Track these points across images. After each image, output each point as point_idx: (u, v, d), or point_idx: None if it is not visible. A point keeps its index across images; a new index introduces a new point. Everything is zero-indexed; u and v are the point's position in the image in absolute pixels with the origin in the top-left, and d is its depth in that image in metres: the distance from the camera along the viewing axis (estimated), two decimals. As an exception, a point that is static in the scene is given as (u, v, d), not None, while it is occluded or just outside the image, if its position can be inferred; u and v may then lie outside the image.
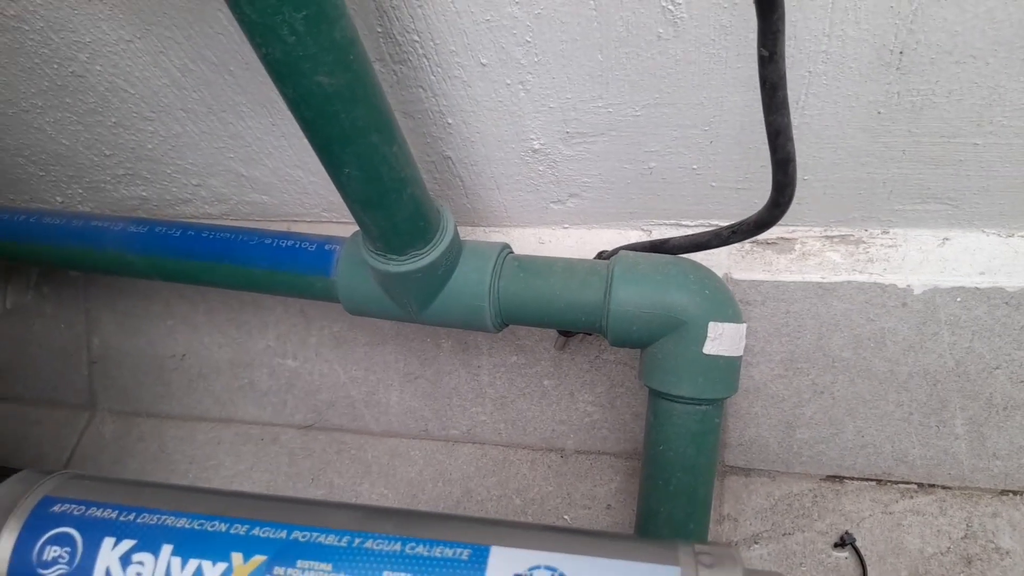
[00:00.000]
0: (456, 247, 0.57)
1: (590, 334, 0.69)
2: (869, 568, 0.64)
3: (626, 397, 0.73)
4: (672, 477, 0.57)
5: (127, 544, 0.31)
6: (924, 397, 0.66)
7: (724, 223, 0.56)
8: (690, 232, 0.62)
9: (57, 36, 0.60)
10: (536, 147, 0.62)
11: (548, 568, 0.31)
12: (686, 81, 0.54)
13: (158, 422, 0.84)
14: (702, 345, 0.53)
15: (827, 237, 0.66)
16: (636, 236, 0.69)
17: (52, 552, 0.31)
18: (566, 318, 0.57)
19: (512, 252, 0.60)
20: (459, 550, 0.31)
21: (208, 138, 0.68)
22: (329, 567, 0.30)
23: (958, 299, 0.63)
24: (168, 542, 0.31)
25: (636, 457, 0.74)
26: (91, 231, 0.67)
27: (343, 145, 0.44)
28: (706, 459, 0.57)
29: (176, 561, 0.30)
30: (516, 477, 0.75)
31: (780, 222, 0.66)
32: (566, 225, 0.71)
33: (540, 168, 0.64)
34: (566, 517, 0.73)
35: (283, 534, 0.31)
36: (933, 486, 0.67)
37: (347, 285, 0.60)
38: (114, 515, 0.32)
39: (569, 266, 0.57)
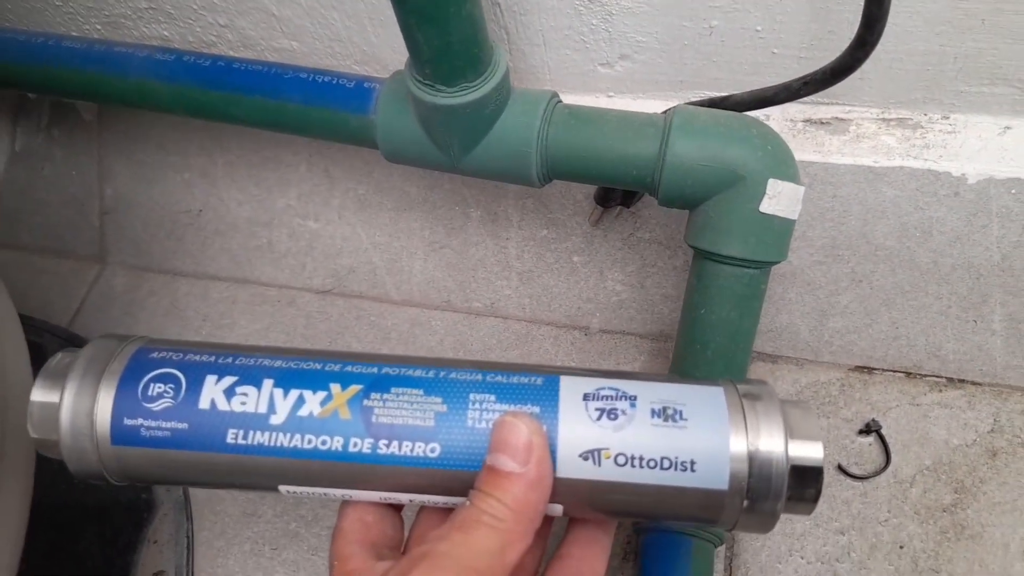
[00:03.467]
0: (506, 88, 0.54)
1: (628, 205, 0.67)
2: (893, 455, 0.63)
3: (657, 278, 0.71)
4: (711, 342, 0.55)
5: (229, 380, 0.32)
6: (965, 291, 0.64)
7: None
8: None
9: None
10: (594, -6, 0.58)
11: (612, 388, 0.33)
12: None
13: (170, 278, 0.82)
14: (759, 203, 0.51)
15: (884, 120, 0.64)
16: (685, 106, 0.66)
17: (157, 388, 0.32)
18: (617, 172, 0.54)
19: (561, 101, 0.57)
20: (533, 378, 0.33)
21: (241, -33, 0.64)
22: (420, 392, 0.32)
23: (1013, 191, 0.61)
24: (268, 378, 0.32)
25: (662, 339, 0.73)
26: (114, 56, 0.63)
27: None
28: (748, 325, 0.55)
29: (279, 392, 0.32)
30: (538, 352, 0.74)
31: (838, 101, 0.65)
32: (611, 94, 0.68)
33: (594, 21, 0.61)
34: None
35: (375, 370, 0.33)
36: (963, 381, 0.66)
37: (386, 124, 0.57)
38: (212, 359, 0.33)
39: (624, 116, 0.54)
